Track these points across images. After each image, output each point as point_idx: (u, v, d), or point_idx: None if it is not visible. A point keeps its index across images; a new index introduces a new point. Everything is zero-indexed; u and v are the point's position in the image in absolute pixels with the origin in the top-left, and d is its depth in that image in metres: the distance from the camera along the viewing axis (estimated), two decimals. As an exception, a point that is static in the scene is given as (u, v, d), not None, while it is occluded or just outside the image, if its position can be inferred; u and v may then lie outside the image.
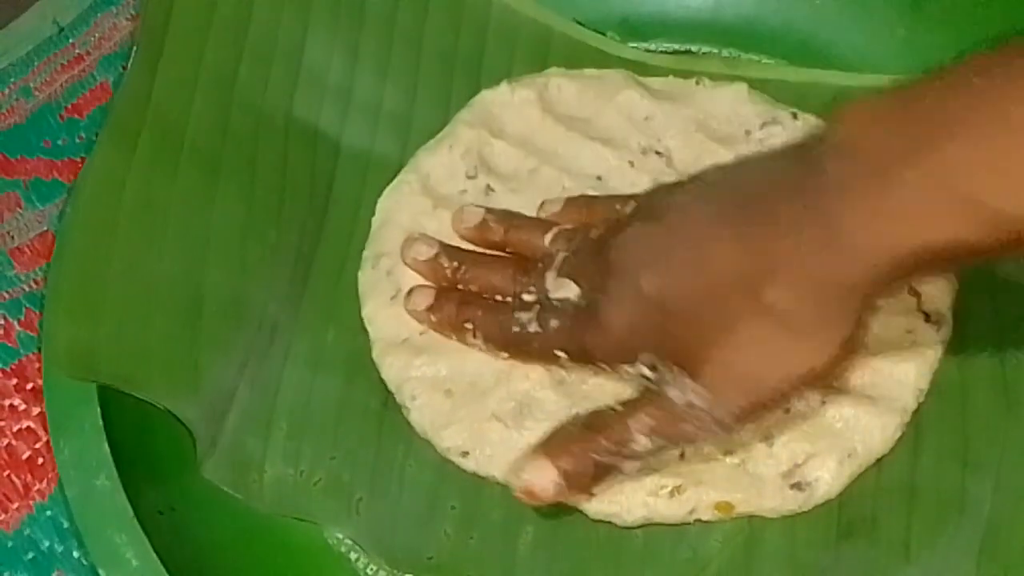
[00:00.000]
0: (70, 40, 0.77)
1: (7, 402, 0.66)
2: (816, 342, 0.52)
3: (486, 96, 0.70)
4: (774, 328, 0.52)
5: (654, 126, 0.69)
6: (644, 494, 0.59)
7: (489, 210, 0.65)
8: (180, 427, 0.58)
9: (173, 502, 0.57)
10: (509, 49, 0.73)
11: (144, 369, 0.58)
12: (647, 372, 0.55)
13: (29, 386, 0.66)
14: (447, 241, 0.66)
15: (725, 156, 0.67)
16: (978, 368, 0.63)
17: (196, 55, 0.65)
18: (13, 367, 0.67)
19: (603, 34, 0.75)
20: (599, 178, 0.68)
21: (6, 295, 0.69)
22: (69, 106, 0.75)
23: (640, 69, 0.72)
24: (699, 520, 0.60)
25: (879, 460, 0.61)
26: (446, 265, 0.64)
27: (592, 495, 0.59)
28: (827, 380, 0.54)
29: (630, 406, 0.56)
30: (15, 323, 0.68)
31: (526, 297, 0.61)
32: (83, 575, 0.61)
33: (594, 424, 0.56)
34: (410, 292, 0.64)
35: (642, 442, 0.55)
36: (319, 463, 0.61)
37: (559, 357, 0.60)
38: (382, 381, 0.63)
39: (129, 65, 0.64)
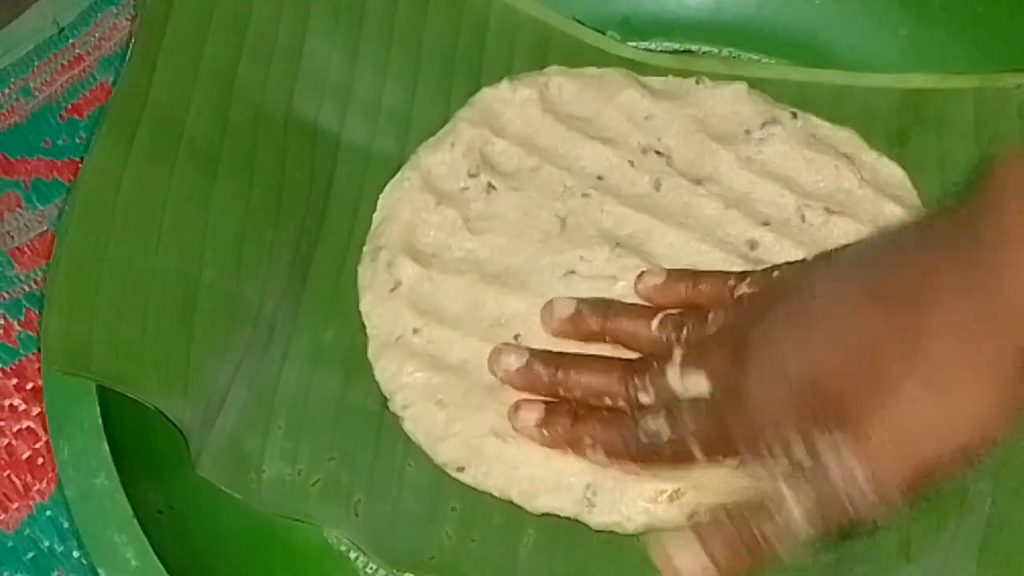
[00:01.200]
0: (70, 40, 0.77)
1: (7, 402, 0.66)
2: (979, 406, 0.49)
3: (487, 94, 0.70)
4: (936, 393, 0.49)
5: (654, 125, 0.69)
6: (644, 501, 0.59)
7: (581, 300, 0.63)
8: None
9: (172, 501, 0.57)
10: (509, 47, 0.73)
11: (137, 365, 0.58)
12: (800, 455, 0.52)
13: (29, 386, 0.66)
14: (449, 240, 0.66)
15: (725, 155, 0.68)
16: None
17: (195, 50, 0.65)
18: (13, 367, 0.67)
19: (603, 33, 0.75)
20: (600, 177, 0.67)
21: (6, 295, 0.69)
22: (69, 106, 0.75)
23: (640, 68, 0.72)
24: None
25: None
26: (542, 372, 0.61)
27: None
28: (992, 445, 0.50)
29: (789, 489, 0.52)
30: (15, 323, 0.68)
31: (643, 399, 0.58)
32: (83, 575, 0.61)
33: (751, 509, 0.52)
34: (516, 408, 0.61)
35: (801, 526, 0.51)
36: (317, 463, 0.61)
37: (693, 456, 0.57)
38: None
39: (127, 59, 0.63)
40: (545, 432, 0.60)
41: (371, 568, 0.60)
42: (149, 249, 0.60)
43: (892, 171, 0.68)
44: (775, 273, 0.59)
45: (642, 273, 0.63)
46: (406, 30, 0.72)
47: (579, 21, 0.74)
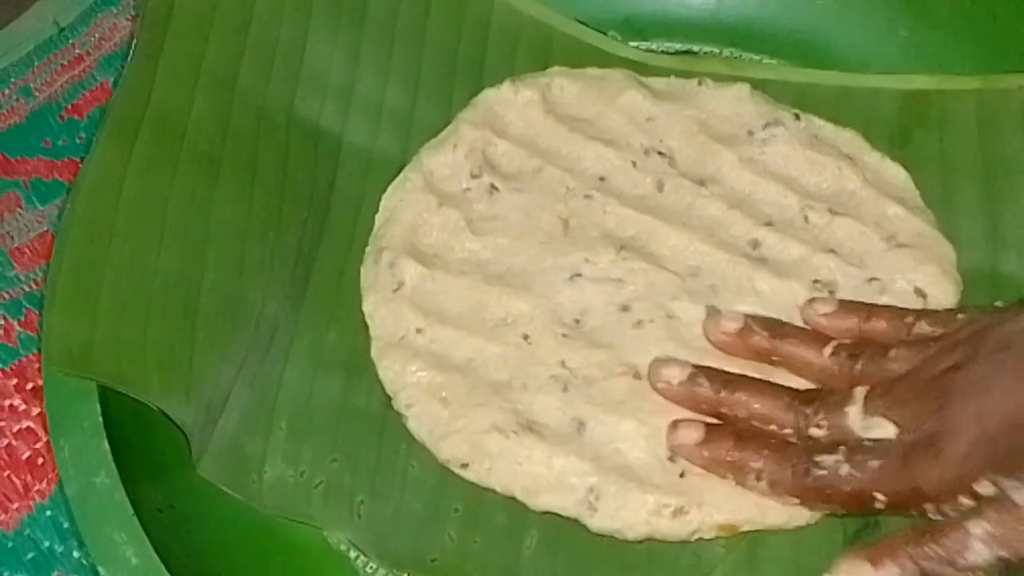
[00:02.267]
0: (70, 40, 0.77)
1: (7, 402, 0.66)
2: None
3: (489, 95, 0.70)
4: None
5: (656, 127, 0.69)
6: (646, 513, 0.59)
7: (749, 316, 0.61)
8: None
9: (173, 500, 0.57)
10: (511, 48, 0.73)
11: (139, 367, 0.57)
12: (989, 491, 0.51)
13: (29, 386, 0.66)
14: (452, 241, 0.66)
15: (727, 156, 0.68)
16: None
17: (197, 52, 0.65)
18: (13, 367, 0.67)
19: (604, 34, 0.74)
20: (602, 179, 0.67)
21: (6, 295, 0.69)
22: (69, 106, 0.75)
23: (642, 69, 0.72)
24: (702, 539, 0.59)
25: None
26: (707, 388, 0.59)
27: None
28: None
29: (967, 512, 0.51)
30: (15, 323, 0.68)
31: (815, 432, 0.57)
32: (83, 575, 0.61)
33: (927, 528, 0.52)
34: (675, 426, 0.59)
35: (980, 552, 0.50)
36: (320, 465, 0.61)
37: (875, 501, 0.55)
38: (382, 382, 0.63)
39: (128, 60, 0.63)
40: (706, 453, 0.58)
41: (371, 568, 0.60)
42: (151, 251, 0.60)
43: (895, 172, 0.68)
44: (959, 316, 0.59)
45: (812, 300, 0.62)
46: (408, 31, 0.72)
47: (581, 22, 0.74)
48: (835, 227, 0.65)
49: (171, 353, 0.59)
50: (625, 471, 0.60)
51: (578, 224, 0.66)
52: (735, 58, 0.75)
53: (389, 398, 0.63)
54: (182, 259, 0.60)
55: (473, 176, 0.68)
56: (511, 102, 0.70)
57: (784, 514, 0.59)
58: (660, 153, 0.68)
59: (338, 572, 0.60)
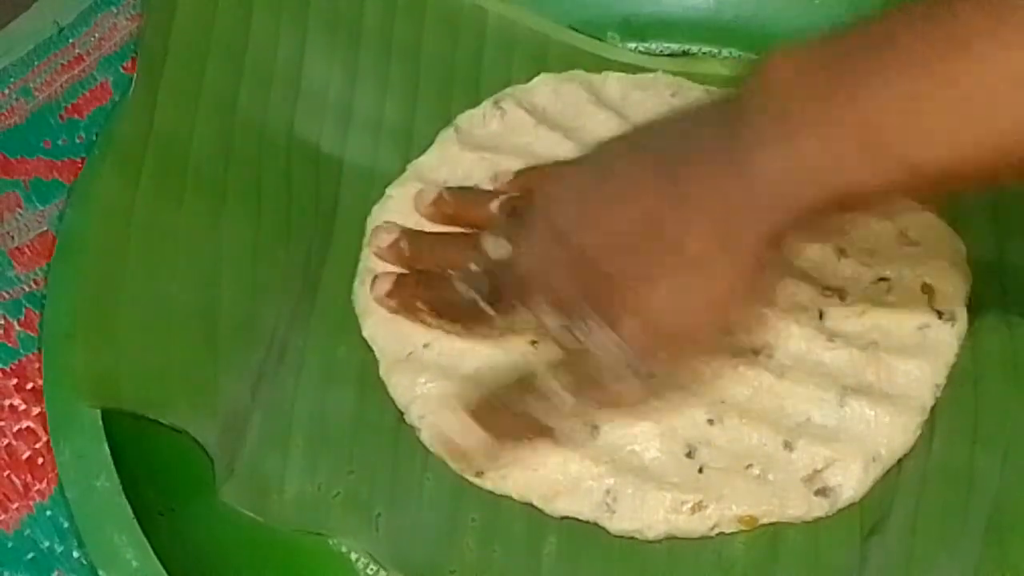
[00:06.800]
0: (70, 40, 0.77)
1: (7, 402, 0.66)
2: (727, 286, 0.52)
3: (462, 118, 0.71)
4: (690, 276, 0.52)
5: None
6: (665, 511, 0.59)
7: (447, 188, 0.66)
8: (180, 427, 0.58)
9: (173, 503, 0.57)
10: (507, 58, 0.73)
11: (165, 392, 0.58)
12: (563, 323, 0.55)
13: (29, 386, 0.66)
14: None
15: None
16: (990, 353, 0.63)
17: (196, 79, 0.65)
18: (13, 367, 0.67)
19: (604, 36, 0.75)
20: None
21: (6, 295, 0.69)
22: (69, 106, 0.75)
23: (639, 72, 0.73)
24: (722, 533, 0.60)
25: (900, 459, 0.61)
26: (404, 247, 0.65)
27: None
28: (740, 324, 0.58)
29: (554, 364, 0.56)
30: (15, 323, 0.68)
31: (472, 267, 0.61)
32: (83, 575, 0.61)
33: (518, 388, 0.57)
34: (374, 280, 0.65)
35: (567, 399, 0.56)
36: (337, 476, 0.61)
37: (482, 310, 0.61)
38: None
39: (130, 93, 0.64)
40: (392, 303, 0.64)
41: (371, 568, 0.60)
42: (166, 277, 0.61)
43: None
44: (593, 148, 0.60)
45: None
46: (404, 46, 0.72)
47: (575, 29, 0.74)
48: (844, 219, 0.65)
49: (195, 376, 0.60)
50: (642, 472, 0.60)
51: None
52: (733, 58, 0.75)
53: (401, 412, 0.63)
54: (196, 284, 0.61)
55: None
56: (489, 117, 0.70)
57: (803, 505, 0.59)
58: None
59: (338, 574, 0.60)
